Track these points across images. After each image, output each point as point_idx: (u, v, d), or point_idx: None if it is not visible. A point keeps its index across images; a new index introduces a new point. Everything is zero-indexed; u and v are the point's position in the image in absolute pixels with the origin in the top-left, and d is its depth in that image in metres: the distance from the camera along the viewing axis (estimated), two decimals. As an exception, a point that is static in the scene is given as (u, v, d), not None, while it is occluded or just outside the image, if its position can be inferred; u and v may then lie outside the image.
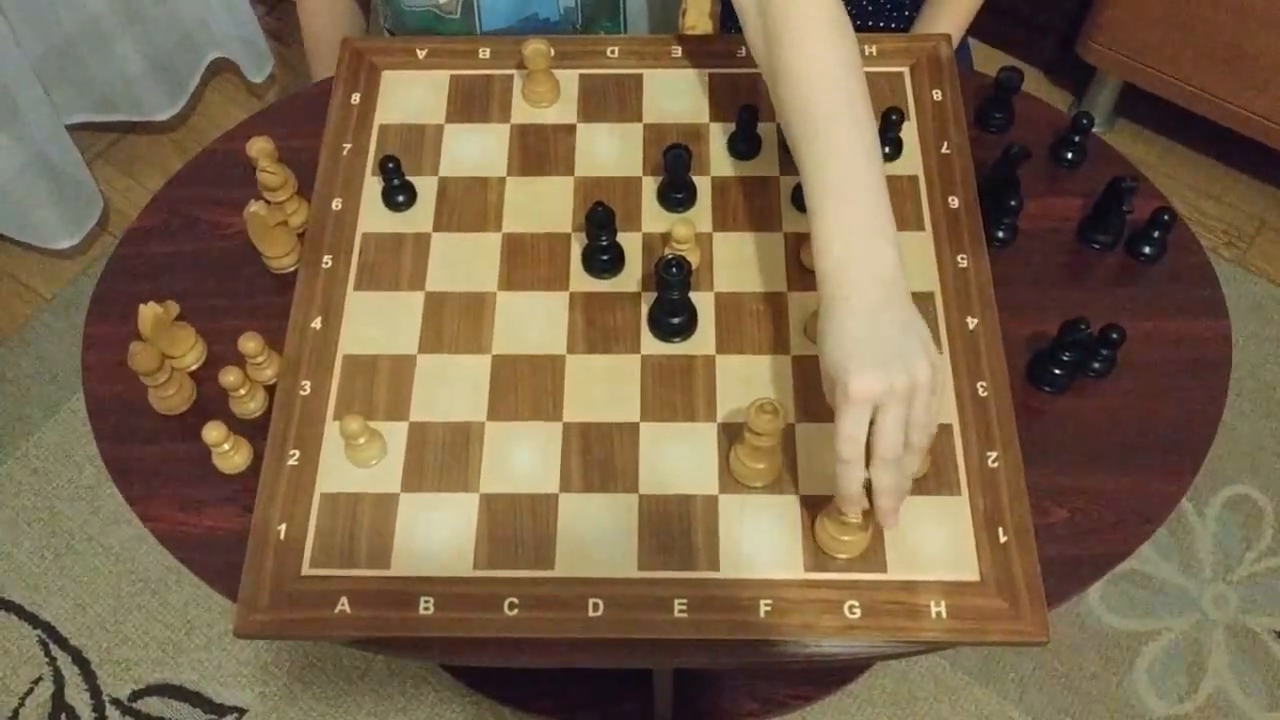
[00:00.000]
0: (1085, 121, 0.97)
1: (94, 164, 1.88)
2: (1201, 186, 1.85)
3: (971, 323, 0.88)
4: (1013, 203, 0.92)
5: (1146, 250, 0.94)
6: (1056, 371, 0.87)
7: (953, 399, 0.85)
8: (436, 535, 0.81)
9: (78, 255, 1.83)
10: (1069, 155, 0.99)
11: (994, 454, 0.83)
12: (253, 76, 1.92)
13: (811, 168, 0.79)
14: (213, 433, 0.83)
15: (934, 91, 1.00)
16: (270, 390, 0.88)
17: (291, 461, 0.84)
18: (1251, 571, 1.52)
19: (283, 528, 0.81)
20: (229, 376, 0.85)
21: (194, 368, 0.90)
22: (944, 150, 0.97)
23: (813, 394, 0.85)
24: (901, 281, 0.75)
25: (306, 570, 0.80)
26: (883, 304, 0.74)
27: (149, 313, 0.85)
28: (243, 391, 0.86)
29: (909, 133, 0.98)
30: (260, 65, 1.91)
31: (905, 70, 1.02)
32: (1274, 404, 1.63)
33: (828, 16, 0.82)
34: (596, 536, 0.80)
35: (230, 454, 0.85)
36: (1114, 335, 0.85)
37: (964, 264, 0.91)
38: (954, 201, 0.94)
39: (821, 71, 0.80)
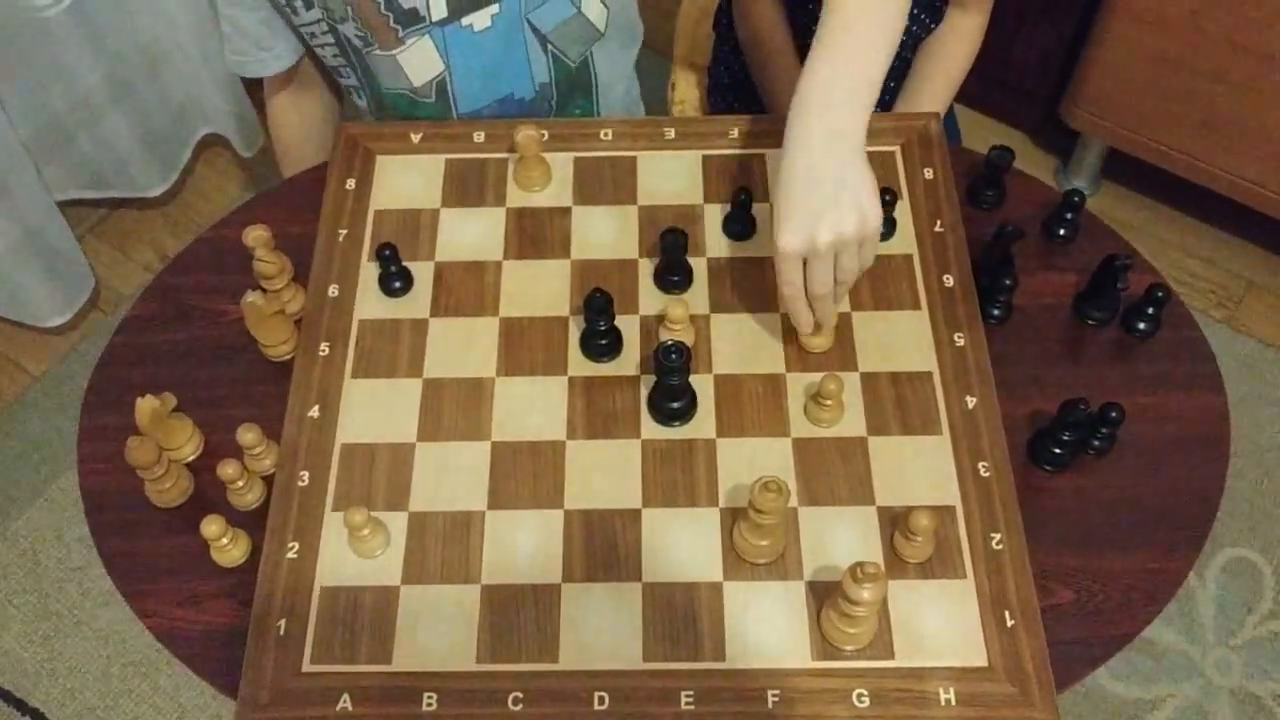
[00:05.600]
0: (1077, 199, 0.98)
1: (84, 239, 1.89)
2: (1189, 248, 1.87)
3: (970, 402, 0.88)
4: (1008, 281, 0.93)
5: (1142, 326, 0.95)
6: (1057, 450, 0.87)
7: (954, 480, 0.85)
8: (438, 628, 0.80)
9: (67, 332, 1.82)
10: (1061, 231, 1.00)
11: (998, 535, 0.82)
12: (244, 151, 1.93)
13: (825, 15, 0.84)
14: (212, 527, 0.82)
15: (925, 170, 1.01)
16: (269, 481, 0.88)
17: (291, 554, 0.83)
18: (1254, 635, 1.51)
19: (283, 623, 0.80)
20: (227, 469, 0.84)
21: (191, 459, 0.90)
22: (937, 229, 0.98)
23: (815, 476, 0.85)
24: (854, 135, 0.82)
25: (307, 667, 0.78)
26: (826, 152, 0.81)
27: (146, 406, 0.85)
28: (241, 484, 0.86)
29: (902, 212, 0.99)
30: (251, 140, 1.93)
31: (896, 149, 1.03)
32: (1269, 464, 1.64)
33: None
34: (600, 627, 0.80)
35: (229, 548, 0.84)
36: (1113, 414, 0.85)
37: (961, 343, 0.91)
38: (949, 280, 0.95)
39: None
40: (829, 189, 0.80)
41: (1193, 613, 1.52)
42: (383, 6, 1.02)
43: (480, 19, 1.06)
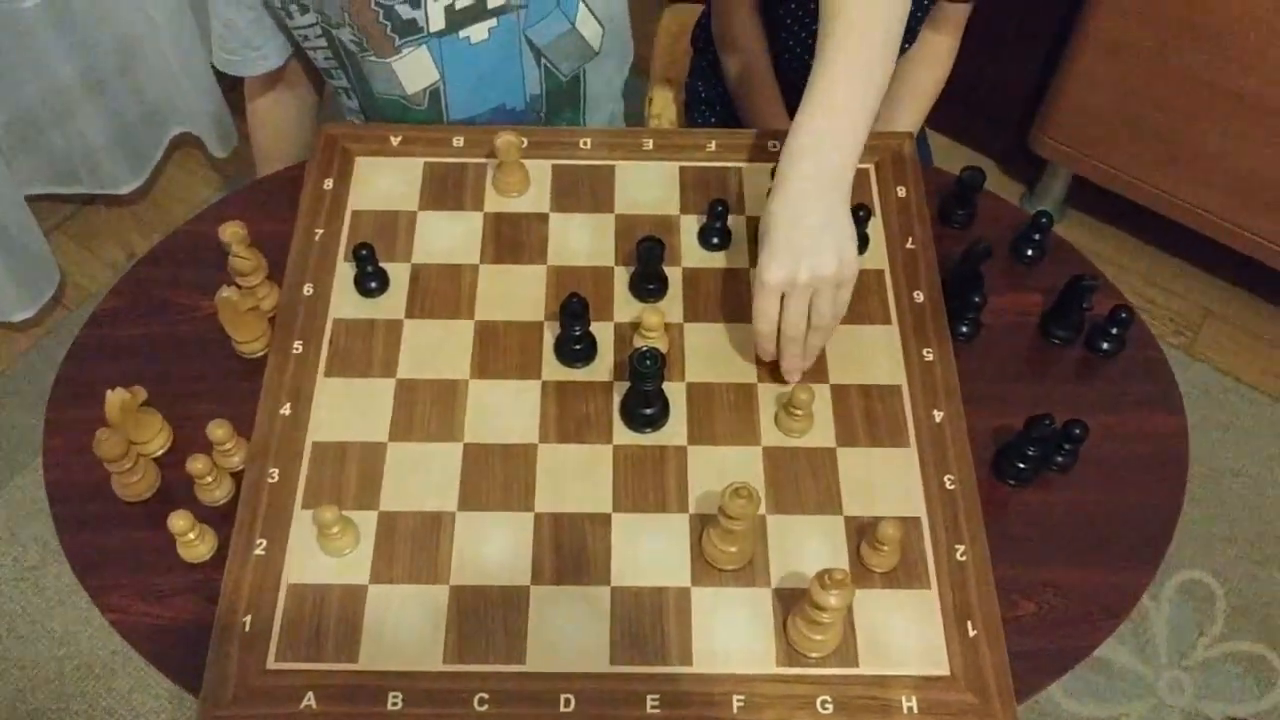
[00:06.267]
0: (1045, 220, 1.00)
1: (51, 235, 1.87)
2: (1149, 275, 1.91)
3: (938, 415, 0.90)
4: (976, 298, 0.95)
5: (1105, 346, 0.97)
6: (1022, 465, 0.89)
7: (921, 492, 0.86)
8: (406, 627, 0.80)
9: (29, 328, 1.80)
10: (1029, 252, 1.02)
11: (962, 548, 0.84)
12: (217, 152, 1.93)
13: (812, 72, 0.88)
14: (179, 521, 0.81)
15: (898, 188, 1.03)
16: (237, 478, 0.87)
17: (258, 551, 0.82)
18: (1205, 657, 1.54)
19: (248, 619, 0.79)
20: (196, 464, 0.84)
21: (159, 454, 0.89)
22: (909, 245, 0.99)
23: (784, 484, 0.86)
24: (841, 183, 0.85)
25: (272, 664, 0.78)
26: (815, 198, 0.84)
27: (116, 399, 0.84)
28: (209, 479, 0.85)
29: (875, 229, 1.00)
30: (225, 141, 1.92)
31: (870, 167, 1.05)
32: (1222, 489, 1.67)
33: None
34: (568, 630, 0.80)
35: (195, 543, 0.83)
36: (1077, 431, 0.87)
37: (929, 357, 0.93)
38: (919, 296, 0.96)
39: (850, 4, 0.88)
40: (814, 231, 0.83)
41: (1147, 634, 1.55)
42: (381, 16, 1.03)
43: (478, 31, 1.07)
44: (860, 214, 0.96)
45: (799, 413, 0.87)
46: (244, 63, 1.14)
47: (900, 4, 0.90)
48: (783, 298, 0.85)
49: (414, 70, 1.08)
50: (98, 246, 1.90)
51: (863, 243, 0.99)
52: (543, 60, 1.11)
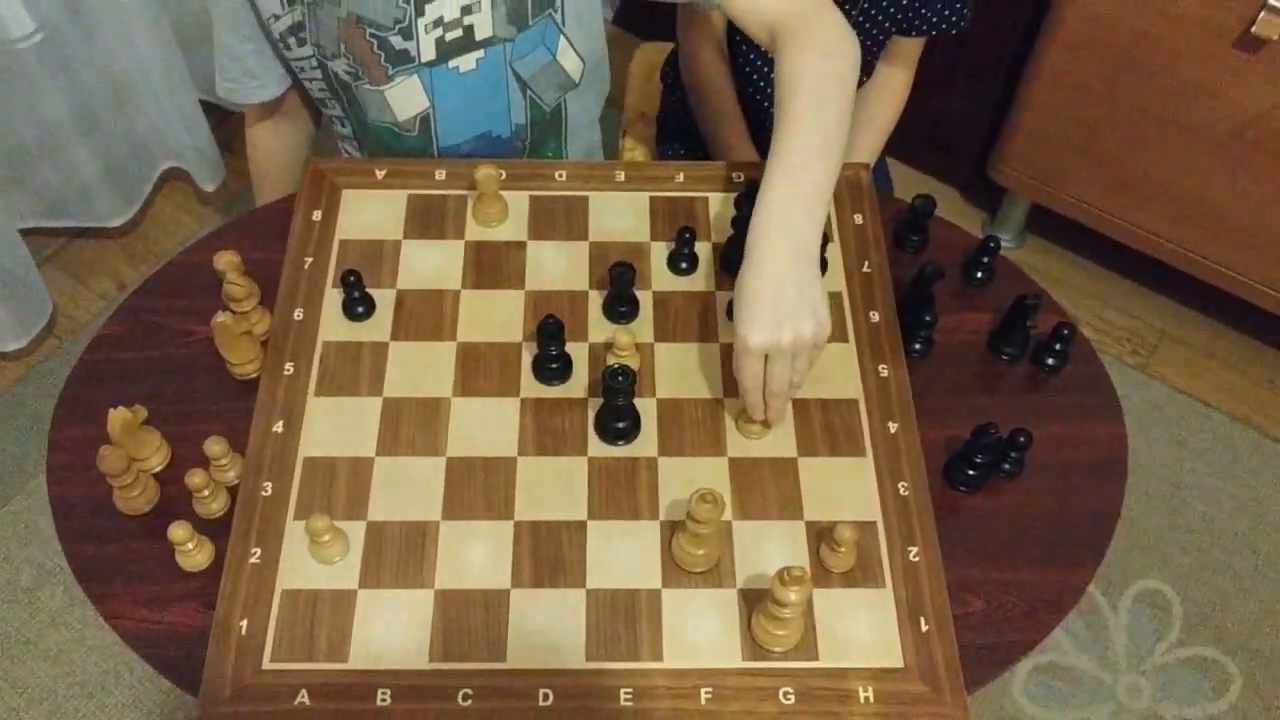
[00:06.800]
0: (993, 244, 1.07)
1: (42, 267, 1.91)
2: (1107, 299, 1.99)
3: (892, 427, 0.95)
4: (928, 317, 1.01)
5: (1050, 361, 1.03)
6: (971, 472, 0.95)
7: (876, 498, 0.92)
8: (393, 629, 0.85)
9: (21, 357, 1.84)
10: (979, 274, 1.08)
11: (915, 549, 0.89)
12: (205, 185, 1.98)
13: (773, 148, 0.95)
14: (178, 531, 0.86)
15: (855, 215, 1.09)
16: (232, 492, 0.92)
17: (253, 559, 0.87)
18: (1163, 662, 1.60)
19: (244, 623, 0.84)
20: (194, 478, 0.89)
21: (158, 470, 0.94)
22: (865, 269, 1.06)
23: (748, 492, 0.92)
24: (810, 249, 0.92)
25: (267, 664, 0.83)
26: (790, 267, 0.90)
27: (118, 417, 0.89)
28: (206, 492, 0.90)
29: (833, 253, 1.07)
30: (213, 175, 1.97)
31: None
32: (1177, 501, 1.74)
33: (822, 37, 0.99)
34: (546, 629, 0.85)
35: (193, 552, 0.88)
36: (1021, 439, 0.93)
37: (885, 373, 0.99)
38: (875, 316, 1.02)
39: (804, 77, 0.97)
40: (792, 298, 0.89)
41: (1106, 641, 1.61)
42: (375, 46, 1.09)
43: (466, 61, 1.13)
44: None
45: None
46: (244, 91, 1.20)
47: (851, 71, 0.98)
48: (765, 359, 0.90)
49: (405, 98, 1.15)
50: (88, 278, 1.95)
51: (822, 266, 1.04)
52: (528, 91, 1.18)
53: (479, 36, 1.11)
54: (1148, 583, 1.66)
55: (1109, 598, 1.64)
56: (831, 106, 0.96)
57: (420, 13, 1.07)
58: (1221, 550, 1.69)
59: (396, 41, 1.09)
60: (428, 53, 1.11)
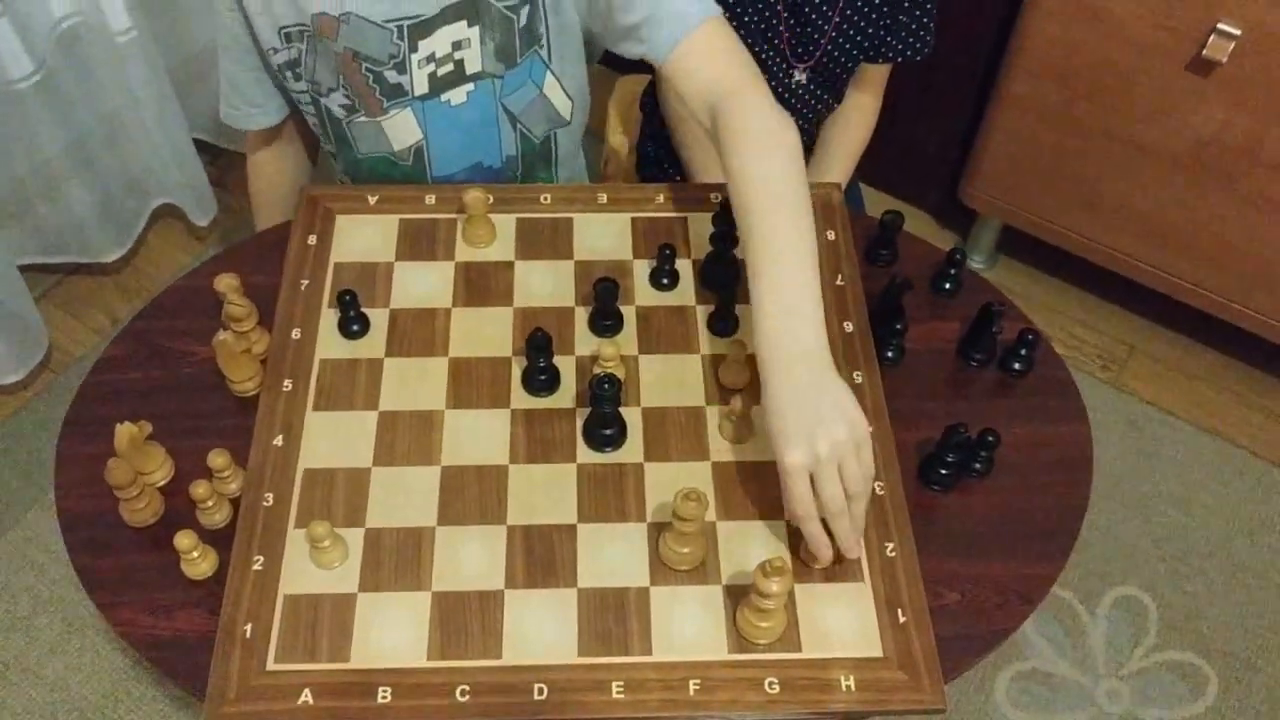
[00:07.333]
0: (959, 256, 1.12)
1: (38, 303, 1.94)
2: (1078, 315, 2.04)
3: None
4: (899, 326, 1.06)
5: (1016, 366, 1.08)
6: (943, 472, 0.99)
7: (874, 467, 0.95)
8: (392, 630, 0.88)
9: (17, 391, 1.87)
10: (946, 285, 1.13)
11: (891, 545, 0.94)
12: (198, 221, 2.02)
13: (750, 262, 0.95)
14: (184, 539, 0.89)
15: (828, 232, 1.15)
16: (235, 503, 0.96)
17: (256, 566, 0.91)
18: (1141, 666, 1.64)
19: (248, 627, 0.87)
20: (198, 489, 0.93)
21: (163, 483, 0.97)
22: (838, 282, 1.10)
23: (731, 494, 0.96)
24: (820, 353, 0.90)
25: (271, 665, 0.86)
26: (804, 375, 0.89)
27: (125, 431, 0.93)
28: (210, 503, 0.94)
29: (808, 267, 1.11)
30: (205, 210, 2.02)
31: (803, 213, 1.16)
32: (1149, 510, 1.78)
33: (762, 130, 1.00)
34: (539, 627, 0.89)
35: (198, 561, 0.91)
36: (990, 438, 0.98)
37: (859, 380, 1.03)
38: (849, 326, 1.07)
39: (760, 180, 0.97)
40: (815, 405, 0.87)
41: (1085, 646, 1.65)
42: (370, 80, 1.14)
43: (457, 95, 1.18)
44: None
45: (733, 418, 0.96)
46: (245, 117, 1.25)
47: (799, 160, 1.00)
48: (812, 479, 0.87)
49: (400, 129, 1.20)
50: (83, 313, 1.98)
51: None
52: (518, 125, 1.23)
53: (469, 71, 1.17)
54: (1124, 589, 1.70)
55: (1087, 605, 1.68)
56: (792, 201, 0.96)
57: (414, 48, 1.12)
58: (1195, 556, 1.74)
59: (391, 76, 1.14)
60: (420, 86, 1.16)
